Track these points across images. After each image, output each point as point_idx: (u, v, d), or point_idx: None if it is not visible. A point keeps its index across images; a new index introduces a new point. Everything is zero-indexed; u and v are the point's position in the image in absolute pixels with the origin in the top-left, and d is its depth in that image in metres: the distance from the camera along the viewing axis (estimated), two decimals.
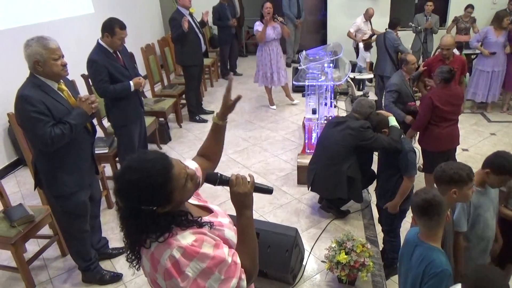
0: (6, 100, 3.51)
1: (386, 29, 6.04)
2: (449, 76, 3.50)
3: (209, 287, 1.16)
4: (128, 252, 1.24)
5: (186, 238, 1.17)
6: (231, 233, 1.34)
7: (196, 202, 1.40)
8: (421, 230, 1.92)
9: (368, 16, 7.08)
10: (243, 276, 1.23)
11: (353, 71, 6.58)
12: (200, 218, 1.26)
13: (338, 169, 3.08)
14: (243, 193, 1.27)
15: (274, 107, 6.07)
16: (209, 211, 1.39)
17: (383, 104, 5.77)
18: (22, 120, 2.25)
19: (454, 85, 3.67)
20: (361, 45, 6.96)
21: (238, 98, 1.49)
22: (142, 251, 1.21)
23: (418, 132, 3.91)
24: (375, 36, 7.10)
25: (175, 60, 5.66)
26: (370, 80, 7.05)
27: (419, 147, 3.89)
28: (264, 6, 5.35)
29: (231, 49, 7.57)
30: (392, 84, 3.99)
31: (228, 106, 1.51)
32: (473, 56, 6.85)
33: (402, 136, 2.97)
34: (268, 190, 1.37)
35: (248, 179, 1.30)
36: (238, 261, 1.23)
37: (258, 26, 5.46)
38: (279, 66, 5.70)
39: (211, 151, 1.60)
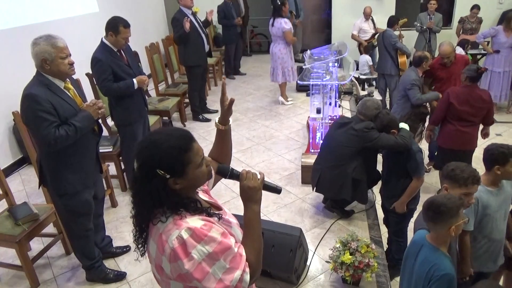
0: (11, 98, 3.52)
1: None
2: (476, 75, 3.46)
3: (213, 274, 1.16)
4: (136, 232, 1.26)
5: (195, 222, 1.18)
6: (238, 232, 1.36)
7: (206, 199, 1.42)
8: (431, 231, 1.91)
9: (366, 15, 7.04)
10: (247, 270, 1.22)
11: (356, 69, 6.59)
12: (209, 209, 1.29)
13: (343, 170, 3.06)
14: (252, 187, 1.30)
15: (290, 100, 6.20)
16: (218, 209, 1.40)
17: (389, 106, 5.77)
18: (27, 118, 2.25)
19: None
20: (360, 56, 6.91)
21: (231, 101, 1.50)
22: (150, 233, 1.23)
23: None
24: (378, 35, 7.08)
25: (178, 60, 5.67)
26: (373, 80, 7.04)
27: (425, 147, 3.87)
28: (286, 4, 5.68)
29: (236, 48, 7.57)
30: (412, 79, 3.97)
31: (225, 109, 1.52)
32: (478, 56, 6.81)
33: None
34: (276, 190, 1.40)
35: (258, 176, 1.33)
36: (244, 253, 1.23)
37: (286, 24, 5.64)
38: (293, 61, 6.06)
39: (219, 155, 1.60)
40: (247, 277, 1.22)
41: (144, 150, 1.19)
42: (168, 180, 1.18)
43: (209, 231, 1.17)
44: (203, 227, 1.17)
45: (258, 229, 1.31)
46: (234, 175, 1.36)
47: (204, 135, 5.08)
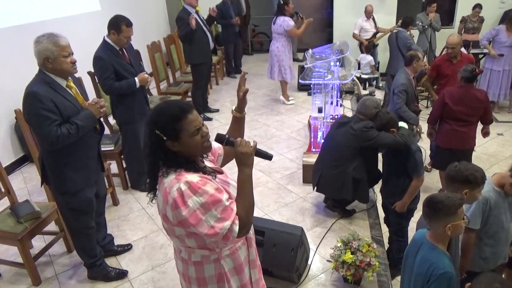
0: (13, 96, 3.52)
1: (397, 25, 6.01)
2: (471, 76, 3.46)
3: (205, 221, 1.38)
4: (148, 181, 1.50)
5: (193, 177, 1.41)
6: (235, 191, 1.54)
7: (211, 165, 1.62)
8: (430, 229, 1.91)
9: (368, 14, 7.01)
10: (237, 222, 1.42)
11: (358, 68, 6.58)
12: (205, 168, 1.52)
13: (343, 170, 3.06)
14: (245, 153, 1.47)
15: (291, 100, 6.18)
16: (219, 173, 1.60)
17: (388, 107, 5.76)
18: (29, 116, 2.25)
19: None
20: (362, 55, 6.89)
21: (245, 91, 1.73)
22: (159, 186, 1.46)
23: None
24: (379, 34, 7.06)
25: (184, 59, 5.66)
26: (374, 79, 7.03)
27: (426, 147, 3.86)
28: (290, 3, 5.68)
29: (235, 47, 7.55)
30: (400, 84, 3.91)
31: (240, 99, 1.75)
32: (480, 56, 6.80)
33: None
34: (267, 156, 1.57)
35: (251, 143, 1.50)
36: (235, 208, 1.44)
37: (290, 21, 5.65)
38: (291, 61, 6.03)
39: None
40: (236, 228, 1.42)
41: (151, 114, 1.45)
42: (165, 142, 1.41)
43: (204, 185, 1.39)
44: (199, 181, 1.39)
45: (249, 189, 1.50)
46: (229, 142, 1.52)
47: None
